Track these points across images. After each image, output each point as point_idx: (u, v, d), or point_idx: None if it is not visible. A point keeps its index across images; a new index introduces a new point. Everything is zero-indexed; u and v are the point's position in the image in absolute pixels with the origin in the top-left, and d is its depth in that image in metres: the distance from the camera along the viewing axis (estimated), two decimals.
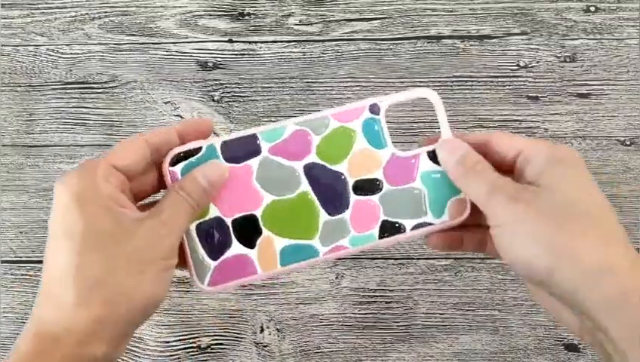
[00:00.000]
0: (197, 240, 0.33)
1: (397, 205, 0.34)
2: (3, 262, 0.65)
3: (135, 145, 0.32)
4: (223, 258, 0.34)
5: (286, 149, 0.34)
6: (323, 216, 0.34)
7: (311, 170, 0.34)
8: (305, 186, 0.34)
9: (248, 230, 0.34)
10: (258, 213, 0.34)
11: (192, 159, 0.33)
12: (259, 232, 0.34)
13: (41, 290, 0.30)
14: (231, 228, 0.34)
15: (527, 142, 0.33)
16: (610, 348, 0.29)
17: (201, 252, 0.33)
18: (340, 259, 0.34)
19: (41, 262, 0.64)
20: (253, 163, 0.34)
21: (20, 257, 0.65)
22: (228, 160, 0.33)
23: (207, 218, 0.33)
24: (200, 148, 0.33)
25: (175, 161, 0.33)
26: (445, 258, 0.63)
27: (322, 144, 0.34)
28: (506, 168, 0.33)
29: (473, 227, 0.35)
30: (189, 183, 0.32)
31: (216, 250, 0.34)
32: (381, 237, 0.34)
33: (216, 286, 0.33)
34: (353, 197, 0.34)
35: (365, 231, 0.34)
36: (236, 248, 0.34)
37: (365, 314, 0.63)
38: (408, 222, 0.34)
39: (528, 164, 0.32)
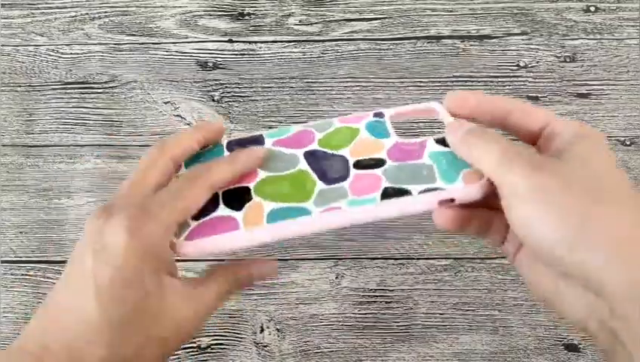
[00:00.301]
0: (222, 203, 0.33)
1: (402, 175, 0.32)
2: (3, 262, 0.65)
3: (165, 165, 0.33)
4: (205, 219, 0.32)
5: (289, 142, 0.35)
6: (319, 185, 0.32)
7: (311, 155, 0.34)
8: (303, 165, 0.33)
9: (238, 196, 0.33)
10: (251, 185, 0.33)
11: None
12: (249, 199, 0.33)
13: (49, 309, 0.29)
14: (220, 196, 0.33)
15: (553, 115, 0.30)
16: (625, 336, 0.26)
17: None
18: (336, 228, 0.31)
19: (41, 261, 0.65)
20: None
21: (20, 257, 0.64)
22: (231, 150, 0.35)
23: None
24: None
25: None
26: (445, 258, 0.63)
27: (325, 137, 0.34)
28: (528, 142, 0.31)
29: (479, 208, 0.32)
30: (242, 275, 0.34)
31: (200, 212, 0.32)
32: (383, 199, 0.31)
33: (194, 240, 0.31)
34: (353, 171, 0.32)
35: (364, 194, 0.31)
36: (221, 211, 0.32)
37: (365, 314, 0.63)
38: (415, 187, 0.31)
39: (556, 137, 0.30)
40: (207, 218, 0.32)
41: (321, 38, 0.65)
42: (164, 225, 0.29)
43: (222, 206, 0.32)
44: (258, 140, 0.35)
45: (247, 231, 0.31)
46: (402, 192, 0.31)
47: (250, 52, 0.66)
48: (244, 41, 0.66)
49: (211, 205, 0.32)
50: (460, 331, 0.62)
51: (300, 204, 0.32)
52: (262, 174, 0.33)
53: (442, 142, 0.33)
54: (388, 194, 0.31)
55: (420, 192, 0.31)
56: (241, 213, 0.32)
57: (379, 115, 0.35)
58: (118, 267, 0.28)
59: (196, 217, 0.32)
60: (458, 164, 0.31)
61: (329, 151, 0.34)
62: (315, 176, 0.33)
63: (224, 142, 0.35)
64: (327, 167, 0.33)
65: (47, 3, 0.67)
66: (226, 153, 0.34)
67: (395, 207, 0.31)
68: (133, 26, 0.66)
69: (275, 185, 0.33)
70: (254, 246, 0.31)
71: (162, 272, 0.29)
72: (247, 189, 0.33)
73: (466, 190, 0.31)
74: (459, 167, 0.31)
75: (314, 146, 0.34)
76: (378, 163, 0.32)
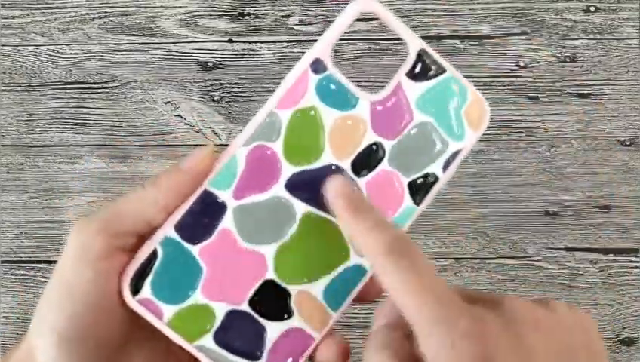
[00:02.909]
0: (223, 352, 0.26)
1: (412, 156, 0.27)
2: (3, 262, 0.64)
3: (153, 220, 0.26)
4: (266, 350, 0.26)
5: (251, 182, 0.26)
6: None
7: (295, 186, 0.26)
8: (300, 207, 0.26)
9: (272, 301, 0.26)
10: (271, 275, 0.26)
11: (156, 268, 0.25)
12: (286, 295, 0.26)
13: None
14: (252, 312, 0.26)
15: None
16: None
17: (238, 361, 0.26)
18: None
19: (41, 261, 0.65)
20: (227, 224, 0.26)
21: (20, 257, 0.64)
22: (196, 241, 0.25)
23: (216, 324, 0.26)
24: (155, 251, 0.25)
25: (136, 286, 0.25)
26: (445, 258, 0.63)
27: (288, 147, 0.26)
28: None
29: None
30: None
31: (252, 347, 0.26)
32: (418, 201, 0.27)
33: None
34: (361, 182, 0.26)
35: (398, 207, 0.27)
36: (273, 329, 0.26)
37: (365, 314, 0.62)
38: (436, 166, 0.27)
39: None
40: (267, 348, 0.26)
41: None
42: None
43: (267, 324, 0.26)
44: (206, 199, 0.26)
45: (320, 332, 0.26)
46: (428, 182, 0.27)
47: (251, 52, 0.65)
48: (244, 41, 0.65)
49: (250, 330, 0.26)
50: None
51: (345, 266, 0.26)
52: (268, 252, 0.26)
53: (416, 73, 0.27)
54: (416, 191, 0.27)
55: (444, 168, 0.27)
56: (297, 318, 0.26)
57: (319, 68, 0.26)
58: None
59: (249, 355, 0.26)
60: (451, 100, 0.27)
61: (309, 167, 0.26)
62: (328, 217, 0.26)
63: (171, 230, 0.25)
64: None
65: (47, 3, 0.67)
66: (183, 242, 0.25)
67: (430, 199, 0.27)
68: (133, 26, 0.66)
69: (298, 257, 0.26)
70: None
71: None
72: (271, 282, 0.26)
73: (478, 134, 0.27)
74: (457, 105, 0.27)
75: (288, 170, 0.26)
76: (375, 152, 0.27)
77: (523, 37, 0.64)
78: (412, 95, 0.27)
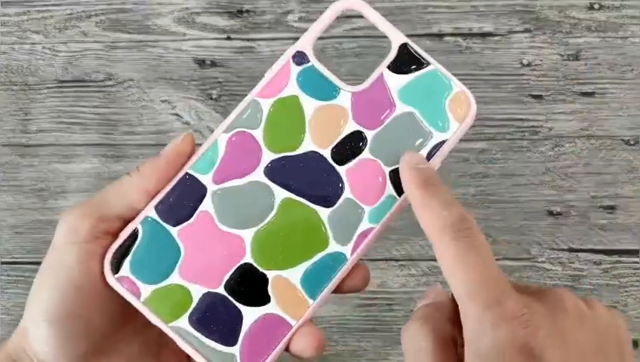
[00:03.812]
0: (198, 335, 0.26)
1: (394, 145, 0.27)
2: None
3: (136, 204, 0.27)
4: (241, 336, 0.26)
5: (231, 167, 0.26)
6: (322, 212, 0.26)
7: (275, 171, 0.26)
8: (280, 193, 0.26)
9: (249, 286, 0.26)
10: (248, 259, 0.26)
11: (136, 247, 0.26)
12: (264, 280, 0.26)
13: None
14: (228, 296, 0.26)
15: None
16: None
17: (212, 345, 0.26)
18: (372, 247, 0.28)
19: (37, 263, 0.64)
20: (206, 206, 0.26)
21: (16, 258, 0.64)
22: (176, 222, 0.26)
23: (192, 305, 0.26)
24: (136, 231, 0.26)
25: (117, 264, 0.26)
26: None
27: (268, 134, 0.26)
28: None
29: None
30: None
31: (227, 332, 0.26)
32: (399, 191, 0.27)
33: None
34: (342, 170, 0.26)
35: (379, 198, 0.27)
36: (249, 314, 0.26)
37: (366, 316, 0.62)
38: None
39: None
40: (242, 335, 0.26)
41: (321, 35, 0.65)
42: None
43: (243, 309, 0.26)
44: (187, 182, 0.26)
45: (299, 320, 0.26)
46: None
47: (249, 49, 0.65)
48: (242, 39, 0.65)
49: (226, 313, 0.26)
50: None
51: (324, 253, 0.26)
52: (246, 236, 0.26)
53: (398, 66, 0.27)
54: (398, 181, 0.26)
55: (427, 158, 0.27)
56: (274, 304, 0.26)
57: (301, 60, 0.28)
58: None
59: (226, 339, 0.26)
60: (434, 92, 0.27)
61: (289, 153, 0.26)
62: (307, 203, 0.26)
63: (152, 211, 0.26)
64: (307, 179, 0.26)
65: (43, 0, 0.67)
66: (165, 224, 0.26)
67: None
68: (130, 24, 0.66)
69: (276, 242, 0.26)
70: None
71: None
72: (249, 266, 0.26)
73: (464, 127, 0.27)
74: (440, 95, 0.27)
75: (268, 156, 0.26)
76: (356, 141, 0.27)
77: (526, 34, 0.64)
78: (394, 86, 0.27)
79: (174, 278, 0.26)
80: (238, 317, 0.26)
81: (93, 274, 0.26)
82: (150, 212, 0.26)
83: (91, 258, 0.26)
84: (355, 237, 0.27)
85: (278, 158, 0.27)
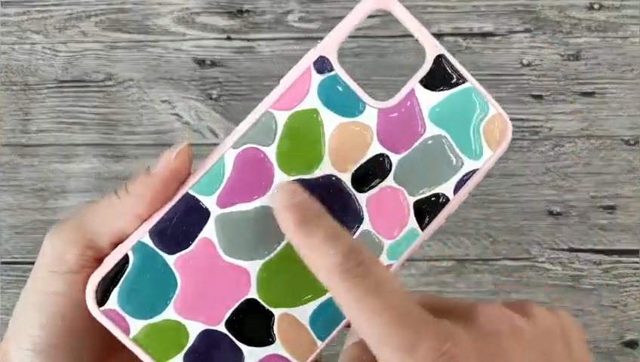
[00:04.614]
0: None
1: (421, 172, 0.24)
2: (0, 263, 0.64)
3: (127, 230, 0.24)
4: None
5: (239, 189, 0.23)
6: None
7: None
8: None
9: (253, 324, 0.23)
10: (253, 295, 0.23)
11: (125, 276, 0.23)
12: (269, 318, 0.23)
13: None
14: (230, 334, 0.23)
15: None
16: None
17: None
18: None
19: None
20: (208, 233, 0.23)
21: (16, 258, 0.64)
22: (173, 250, 0.23)
23: (189, 344, 0.23)
24: (126, 258, 0.23)
25: (103, 294, 0.23)
26: (448, 259, 0.63)
27: (282, 153, 0.23)
28: None
29: None
30: None
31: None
32: (423, 225, 0.24)
33: None
34: (362, 198, 0.24)
35: (400, 230, 0.24)
36: (251, 356, 0.23)
37: None
38: (447, 187, 0.24)
39: None
40: None
41: (321, 35, 0.65)
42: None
43: (244, 348, 0.23)
44: (188, 203, 0.23)
45: None
46: (437, 203, 0.25)
47: (249, 49, 0.65)
48: (242, 39, 0.65)
49: (226, 354, 0.23)
50: None
51: None
52: (251, 268, 0.23)
53: (432, 81, 0.24)
54: (422, 212, 0.24)
55: (455, 190, 0.24)
56: (279, 344, 0.23)
57: (324, 67, 0.23)
58: None
59: None
60: (469, 113, 0.24)
61: (304, 176, 0.23)
62: None
63: (145, 236, 0.23)
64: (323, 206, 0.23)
65: (43, 0, 0.66)
66: (160, 252, 0.23)
67: (437, 225, 0.25)
68: (130, 24, 0.66)
69: (284, 277, 0.23)
70: None
71: None
72: (253, 302, 0.23)
73: (498, 154, 0.24)
74: (474, 122, 0.24)
75: (279, 176, 0.23)
76: (380, 165, 0.24)
77: (526, 34, 0.64)
78: (426, 105, 0.24)
79: (169, 313, 0.23)
80: (239, 358, 0.23)
81: (80, 305, 0.23)
82: (143, 236, 0.23)
83: (78, 289, 0.23)
84: None
85: (292, 181, 0.23)
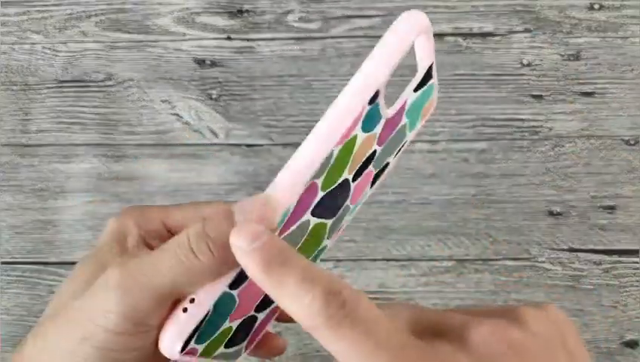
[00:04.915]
0: (223, 349, 0.26)
1: (385, 153, 0.27)
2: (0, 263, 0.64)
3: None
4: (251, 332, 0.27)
5: (294, 217, 0.24)
6: (329, 223, 0.27)
7: (317, 207, 0.25)
8: (313, 221, 0.25)
9: (270, 301, 0.26)
10: None
11: (204, 322, 0.23)
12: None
13: None
14: (255, 313, 0.27)
15: None
16: None
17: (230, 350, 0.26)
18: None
19: (36, 263, 0.64)
20: None
21: (16, 258, 0.64)
22: (239, 285, 0.24)
23: (230, 334, 0.26)
24: (208, 311, 0.23)
25: (185, 345, 0.23)
26: (447, 259, 0.63)
27: (326, 177, 0.24)
28: None
29: None
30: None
31: (243, 337, 0.27)
32: (372, 188, 0.28)
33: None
34: (353, 185, 0.26)
35: (359, 197, 0.27)
36: (260, 317, 0.27)
37: None
38: (392, 156, 0.28)
39: None
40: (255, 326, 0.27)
41: (321, 35, 0.65)
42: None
43: (258, 314, 0.27)
44: None
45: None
46: (384, 169, 0.28)
47: (249, 49, 0.65)
48: (242, 39, 0.65)
49: (249, 323, 0.26)
50: None
51: (319, 247, 0.27)
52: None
53: (419, 85, 0.26)
54: (375, 180, 0.27)
55: (395, 155, 0.27)
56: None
57: (374, 96, 0.24)
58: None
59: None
60: (423, 102, 0.27)
61: (332, 186, 0.25)
62: (326, 221, 0.26)
63: (219, 292, 0.23)
64: (333, 204, 0.26)
65: (43, 1, 0.66)
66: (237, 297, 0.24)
67: (379, 184, 0.28)
68: (130, 24, 0.66)
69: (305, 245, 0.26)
70: None
71: None
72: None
73: (421, 125, 0.28)
74: (423, 106, 0.27)
75: (319, 196, 0.25)
76: (371, 158, 0.26)
77: (526, 34, 0.64)
78: (408, 103, 0.26)
79: (226, 324, 0.25)
80: (254, 321, 0.26)
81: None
82: (225, 287, 0.23)
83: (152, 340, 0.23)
84: (335, 233, 0.27)
85: (323, 195, 0.24)
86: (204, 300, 0.23)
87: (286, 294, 0.20)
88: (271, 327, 0.29)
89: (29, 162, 0.65)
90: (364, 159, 0.25)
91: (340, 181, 0.25)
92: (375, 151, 0.26)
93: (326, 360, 0.62)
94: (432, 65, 0.26)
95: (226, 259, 0.21)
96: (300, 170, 0.23)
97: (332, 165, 0.24)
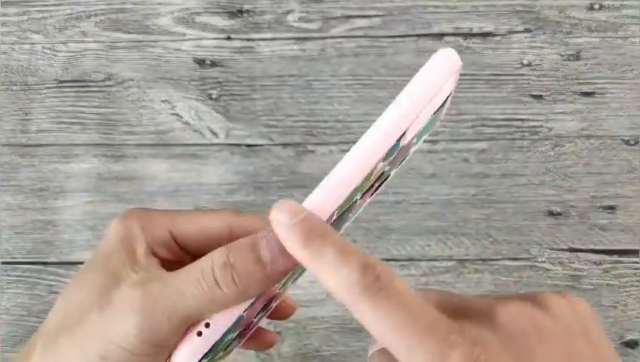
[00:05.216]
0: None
1: (390, 169, 0.27)
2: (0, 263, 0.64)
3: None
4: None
5: None
6: None
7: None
8: None
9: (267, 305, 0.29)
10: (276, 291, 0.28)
11: (216, 341, 0.24)
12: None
13: None
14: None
15: None
16: None
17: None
18: None
19: (36, 263, 0.64)
20: None
21: (16, 258, 0.64)
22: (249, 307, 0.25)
23: (233, 335, 0.26)
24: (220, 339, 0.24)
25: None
26: (447, 259, 0.63)
27: (342, 205, 0.24)
28: None
29: None
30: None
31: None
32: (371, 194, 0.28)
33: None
34: (359, 201, 0.27)
35: (360, 207, 0.28)
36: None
37: None
38: (394, 167, 0.28)
39: None
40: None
41: (321, 35, 0.65)
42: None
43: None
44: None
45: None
46: (385, 180, 0.28)
47: (249, 49, 0.65)
48: (242, 39, 0.65)
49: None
50: None
51: None
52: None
53: (436, 110, 0.25)
54: (377, 189, 0.27)
55: (397, 168, 0.28)
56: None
57: (400, 139, 0.24)
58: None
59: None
60: (433, 122, 0.26)
61: (343, 210, 0.25)
62: None
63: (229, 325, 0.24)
64: (340, 224, 0.26)
65: (43, 0, 0.66)
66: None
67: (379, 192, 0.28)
68: (130, 24, 0.66)
69: None
70: None
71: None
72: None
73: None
74: (430, 126, 0.26)
75: (331, 221, 0.25)
76: (379, 179, 0.26)
77: (526, 34, 0.64)
78: (420, 127, 0.25)
79: (231, 336, 0.25)
80: (251, 324, 0.28)
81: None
82: (241, 312, 0.24)
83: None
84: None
85: (335, 218, 0.24)
86: (220, 327, 0.23)
87: (324, 266, 0.20)
88: (264, 323, 0.29)
89: (29, 162, 0.65)
90: (376, 183, 0.26)
91: (352, 200, 0.24)
92: (384, 173, 0.26)
93: (326, 360, 0.62)
94: (451, 93, 0.25)
95: (248, 288, 0.23)
96: (326, 207, 0.22)
97: (351, 194, 0.23)
